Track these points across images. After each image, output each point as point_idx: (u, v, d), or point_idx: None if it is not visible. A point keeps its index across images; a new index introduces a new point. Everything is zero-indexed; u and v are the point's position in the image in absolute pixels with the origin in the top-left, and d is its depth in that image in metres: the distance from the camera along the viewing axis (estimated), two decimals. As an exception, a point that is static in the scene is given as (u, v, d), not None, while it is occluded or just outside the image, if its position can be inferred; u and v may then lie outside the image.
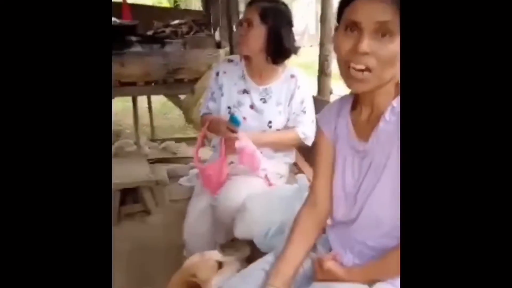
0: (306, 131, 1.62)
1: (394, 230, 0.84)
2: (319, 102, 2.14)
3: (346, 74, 0.80)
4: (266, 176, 1.49)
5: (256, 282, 0.93)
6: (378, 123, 0.85)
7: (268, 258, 1.01)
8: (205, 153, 3.72)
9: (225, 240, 1.59)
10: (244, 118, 1.59)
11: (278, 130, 1.60)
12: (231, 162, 1.61)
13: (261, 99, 1.61)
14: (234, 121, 1.50)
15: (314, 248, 0.99)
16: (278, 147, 1.64)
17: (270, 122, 1.59)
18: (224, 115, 1.60)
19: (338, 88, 2.67)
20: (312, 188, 1.00)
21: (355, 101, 0.94)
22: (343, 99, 0.98)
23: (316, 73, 2.57)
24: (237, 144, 1.44)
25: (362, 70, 0.77)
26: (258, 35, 1.50)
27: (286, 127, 1.63)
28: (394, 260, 0.80)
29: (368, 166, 0.87)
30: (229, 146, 1.50)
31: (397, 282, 0.82)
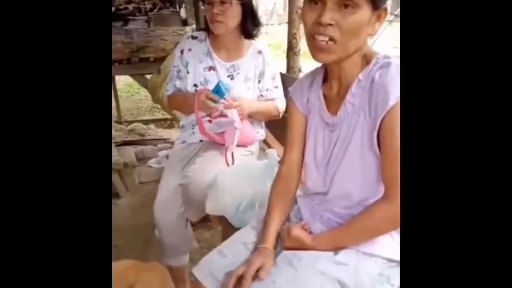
0: (281, 105, 1.65)
1: (363, 201, 0.87)
2: (289, 79, 2.14)
3: (312, 45, 0.83)
4: (232, 155, 1.49)
5: (235, 256, 0.94)
6: (346, 96, 0.87)
7: (244, 232, 1.02)
8: (173, 134, 3.67)
9: (197, 218, 1.59)
10: None
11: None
12: (201, 141, 1.61)
13: (228, 76, 1.60)
14: (218, 90, 1.46)
15: (287, 218, 1.01)
16: (262, 117, 1.66)
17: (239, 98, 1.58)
18: (191, 93, 1.57)
19: (307, 66, 2.69)
20: (284, 160, 1.02)
21: (326, 75, 0.95)
22: (314, 72, 0.99)
23: (285, 52, 2.58)
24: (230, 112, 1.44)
25: (326, 41, 0.79)
26: (236, 12, 1.49)
27: None
28: (358, 227, 0.83)
29: (336, 139, 0.89)
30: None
31: (362, 247, 0.85)
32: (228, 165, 1.47)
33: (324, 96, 0.94)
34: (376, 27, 0.82)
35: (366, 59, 0.86)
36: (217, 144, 1.52)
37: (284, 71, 2.55)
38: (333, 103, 0.92)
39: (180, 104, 1.68)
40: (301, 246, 0.87)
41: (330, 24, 0.78)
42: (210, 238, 2.07)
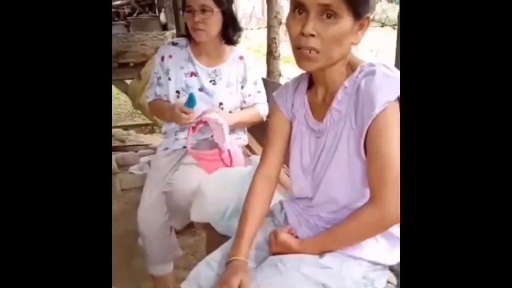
0: (263, 110, 1.68)
1: (348, 205, 0.89)
2: (269, 84, 2.16)
3: (296, 54, 0.84)
4: (229, 151, 1.49)
5: (221, 268, 0.93)
6: (331, 104, 0.88)
7: (230, 243, 1.01)
8: (154, 139, 3.63)
9: (182, 226, 1.59)
10: None
11: (230, 111, 1.61)
12: (184, 147, 1.60)
13: (210, 81, 1.60)
14: (190, 101, 1.48)
15: (276, 221, 1.02)
16: (244, 126, 1.68)
17: (221, 103, 1.59)
18: (174, 100, 1.58)
19: (287, 71, 2.71)
20: (263, 160, 1.01)
21: (311, 81, 0.97)
22: (299, 78, 1.00)
23: (264, 56, 2.59)
24: (208, 116, 1.45)
25: (309, 51, 0.81)
26: (217, 20, 1.50)
27: (237, 108, 1.65)
28: (344, 231, 0.85)
29: (323, 145, 0.90)
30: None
31: (347, 250, 0.86)
32: (228, 166, 1.47)
33: (309, 102, 0.96)
34: (359, 36, 0.84)
35: (351, 67, 0.88)
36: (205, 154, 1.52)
37: (264, 75, 2.57)
38: (318, 109, 0.93)
39: (160, 112, 1.69)
40: (287, 251, 0.88)
41: (313, 35, 0.79)
42: (194, 245, 2.07)
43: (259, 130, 1.71)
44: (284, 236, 0.90)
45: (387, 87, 0.79)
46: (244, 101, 1.66)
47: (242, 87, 1.64)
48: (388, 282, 0.96)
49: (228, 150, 1.47)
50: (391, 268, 0.95)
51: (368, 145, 0.82)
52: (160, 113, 1.71)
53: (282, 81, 2.73)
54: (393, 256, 0.90)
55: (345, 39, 0.81)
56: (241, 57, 1.64)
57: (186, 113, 1.45)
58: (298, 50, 0.82)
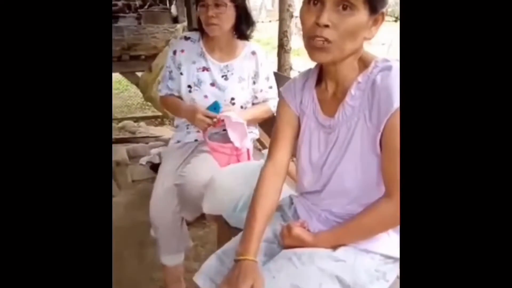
0: (275, 106, 1.65)
1: (360, 198, 0.89)
2: (280, 78, 2.16)
3: (309, 45, 0.83)
4: (248, 151, 1.53)
5: (231, 262, 0.93)
6: (344, 99, 0.88)
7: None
8: (164, 131, 3.66)
9: (193, 218, 1.61)
10: (205, 96, 1.58)
11: (242, 107, 1.62)
12: (196, 140, 1.62)
13: (222, 76, 1.61)
14: (216, 108, 1.52)
15: (286, 216, 1.03)
16: (256, 122, 1.70)
17: (232, 99, 1.60)
18: (185, 94, 1.59)
19: (298, 64, 2.71)
20: (271, 155, 1.00)
21: (320, 76, 0.96)
22: (307, 73, 1.00)
23: (274, 49, 2.59)
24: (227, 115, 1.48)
25: (322, 41, 0.80)
26: (231, 15, 1.50)
27: (248, 103, 1.65)
28: (359, 225, 0.86)
29: (334, 141, 0.90)
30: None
31: (360, 244, 0.88)
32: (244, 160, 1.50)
33: (318, 97, 0.95)
34: (373, 31, 0.84)
35: (364, 63, 0.88)
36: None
37: (275, 69, 2.56)
38: (328, 105, 0.93)
39: (172, 109, 1.69)
40: (301, 245, 0.89)
41: (327, 26, 0.78)
42: (204, 236, 2.09)
43: (270, 125, 1.71)
44: (298, 230, 0.91)
45: None
46: (256, 97, 1.67)
47: (254, 82, 1.64)
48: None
49: (248, 150, 1.49)
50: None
51: (384, 141, 0.82)
52: (174, 110, 1.71)
53: (293, 74, 2.73)
54: None
55: (359, 33, 0.81)
56: (253, 52, 1.64)
57: (210, 117, 1.49)
58: (311, 41, 0.81)
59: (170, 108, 1.72)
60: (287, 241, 0.92)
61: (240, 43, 1.63)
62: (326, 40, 0.80)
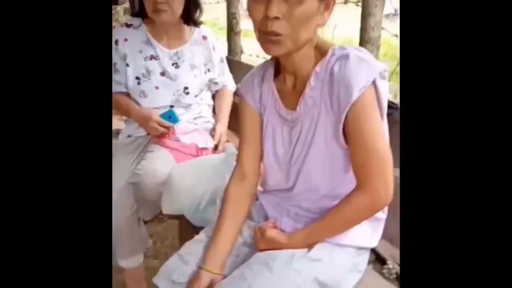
0: (233, 83, 1.66)
1: (330, 192, 0.87)
2: (232, 63, 2.08)
3: (262, 39, 0.80)
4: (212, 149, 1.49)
5: (197, 262, 0.90)
6: (304, 90, 0.85)
7: (205, 234, 0.97)
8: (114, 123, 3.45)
9: (151, 217, 1.52)
10: (156, 87, 1.48)
11: (196, 96, 1.54)
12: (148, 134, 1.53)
13: (173, 64, 1.51)
14: (171, 117, 1.44)
15: (250, 215, 0.99)
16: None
17: (186, 88, 1.51)
18: (133, 87, 1.48)
19: (249, 47, 2.64)
20: (239, 160, 0.97)
21: (277, 68, 0.92)
22: (264, 66, 0.95)
23: (221, 29, 2.50)
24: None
25: (275, 34, 0.77)
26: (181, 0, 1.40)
27: (202, 92, 1.58)
28: (334, 220, 0.84)
29: (298, 135, 0.87)
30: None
31: (333, 239, 0.86)
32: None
33: (278, 90, 0.91)
34: (325, 17, 0.81)
35: (320, 51, 0.85)
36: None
37: (225, 53, 2.48)
38: (289, 97, 0.89)
39: (122, 111, 1.56)
40: (276, 247, 0.86)
41: (277, 18, 0.75)
42: (162, 232, 2.01)
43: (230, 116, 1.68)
44: (272, 232, 0.87)
45: (362, 71, 0.77)
46: (216, 83, 1.62)
47: (208, 70, 1.58)
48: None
49: (212, 148, 1.45)
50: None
51: (349, 131, 0.80)
52: (124, 113, 1.57)
53: (244, 58, 2.66)
54: (375, 239, 0.91)
55: (311, 20, 0.78)
56: (204, 37, 1.57)
57: (165, 127, 1.41)
58: (263, 35, 0.79)
59: (120, 110, 1.56)
60: (261, 244, 0.88)
61: (188, 27, 1.54)
62: (279, 33, 0.76)
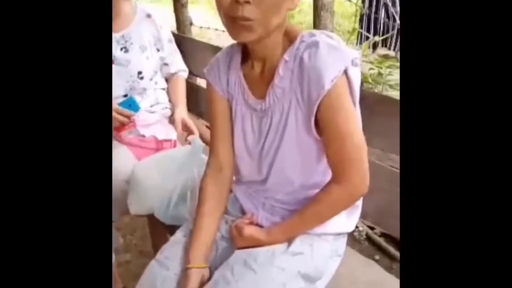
0: (185, 68, 1.58)
1: (305, 182, 0.85)
2: (182, 41, 1.96)
3: (229, 25, 0.75)
4: (174, 142, 1.41)
5: (178, 265, 0.86)
6: (273, 80, 0.80)
7: (181, 235, 0.93)
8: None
9: (119, 217, 1.44)
10: None
11: (151, 79, 1.44)
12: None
13: (121, 49, 1.40)
14: (131, 105, 1.34)
15: (225, 209, 0.95)
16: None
17: (140, 73, 1.41)
18: None
19: (197, 18, 2.50)
20: (213, 151, 0.93)
21: (244, 54, 0.86)
22: (230, 51, 0.89)
23: (159, 2, 2.33)
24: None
25: (245, 20, 0.72)
26: None
27: (157, 75, 1.48)
28: (312, 214, 0.82)
29: (269, 125, 0.83)
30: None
31: (312, 230, 0.85)
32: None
33: (245, 77, 0.86)
34: (295, 1, 0.76)
35: (289, 37, 0.80)
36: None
37: (173, 26, 2.33)
38: (257, 85, 0.84)
39: None
40: (255, 244, 0.83)
41: (247, 2, 0.70)
42: (130, 224, 1.94)
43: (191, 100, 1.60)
44: (249, 230, 0.84)
45: (333, 60, 0.73)
46: (166, 64, 1.52)
47: (158, 50, 1.47)
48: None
49: (174, 141, 1.37)
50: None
51: (322, 123, 0.77)
52: None
53: (194, 30, 2.52)
54: (352, 222, 0.91)
55: (282, 4, 0.73)
56: (148, 15, 1.46)
57: (126, 116, 1.32)
58: (232, 20, 0.73)
59: None
60: (239, 243, 0.86)
61: (128, 6, 1.41)
62: (249, 19, 0.71)
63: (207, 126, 1.49)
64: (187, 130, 1.34)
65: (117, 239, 1.54)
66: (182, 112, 1.44)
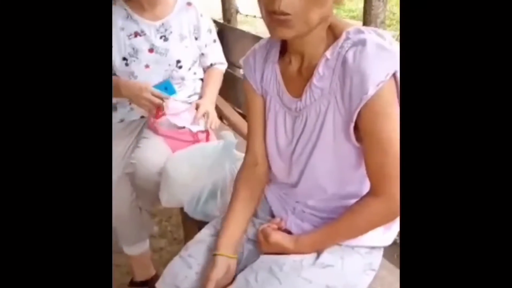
0: (223, 60, 1.55)
1: (339, 191, 0.79)
2: (226, 29, 1.93)
3: (268, 19, 0.69)
4: (207, 132, 1.38)
5: (200, 264, 0.84)
6: (311, 78, 0.74)
7: (206, 233, 0.90)
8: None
9: (152, 207, 1.46)
10: (147, 66, 1.36)
11: (189, 69, 1.42)
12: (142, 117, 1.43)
13: (161, 37, 1.38)
14: (167, 88, 1.33)
15: (254, 212, 0.91)
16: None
17: (178, 61, 1.39)
18: (121, 69, 1.36)
19: (245, 5, 2.44)
20: (249, 147, 0.89)
21: (283, 48, 0.80)
22: (268, 43, 0.84)
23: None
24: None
25: (284, 14, 0.65)
26: None
27: (195, 64, 1.46)
28: (347, 227, 0.76)
29: (303, 127, 0.78)
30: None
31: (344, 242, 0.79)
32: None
33: (282, 73, 0.81)
34: None
35: (333, 32, 0.73)
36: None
37: (219, 14, 2.30)
38: (294, 83, 0.79)
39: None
40: (281, 251, 0.79)
41: None
42: (166, 210, 1.95)
43: (225, 91, 1.57)
44: (276, 236, 0.80)
45: (381, 62, 0.66)
46: (203, 54, 1.48)
47: (196, 38, 1.44)
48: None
49: (207, 131, 1.35)
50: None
51: (363, 131, 0.70)
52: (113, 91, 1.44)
53: (240, 18, 2.47)
54: (388, 236, 0.84)
55: None
56: (189, 3, 1.43)
57: (161, 98, 1.29)
58: (271, 15, 0.67)
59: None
60: (264, 248, 0.82)
61: None
62: (288, 13, 0.65)
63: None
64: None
65: (151, 226, 1.56)
66: (207, 104, 1.39)
